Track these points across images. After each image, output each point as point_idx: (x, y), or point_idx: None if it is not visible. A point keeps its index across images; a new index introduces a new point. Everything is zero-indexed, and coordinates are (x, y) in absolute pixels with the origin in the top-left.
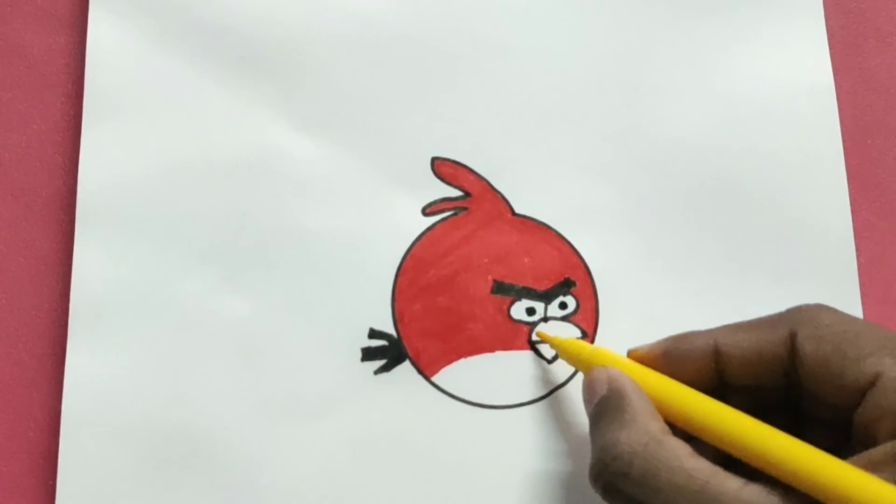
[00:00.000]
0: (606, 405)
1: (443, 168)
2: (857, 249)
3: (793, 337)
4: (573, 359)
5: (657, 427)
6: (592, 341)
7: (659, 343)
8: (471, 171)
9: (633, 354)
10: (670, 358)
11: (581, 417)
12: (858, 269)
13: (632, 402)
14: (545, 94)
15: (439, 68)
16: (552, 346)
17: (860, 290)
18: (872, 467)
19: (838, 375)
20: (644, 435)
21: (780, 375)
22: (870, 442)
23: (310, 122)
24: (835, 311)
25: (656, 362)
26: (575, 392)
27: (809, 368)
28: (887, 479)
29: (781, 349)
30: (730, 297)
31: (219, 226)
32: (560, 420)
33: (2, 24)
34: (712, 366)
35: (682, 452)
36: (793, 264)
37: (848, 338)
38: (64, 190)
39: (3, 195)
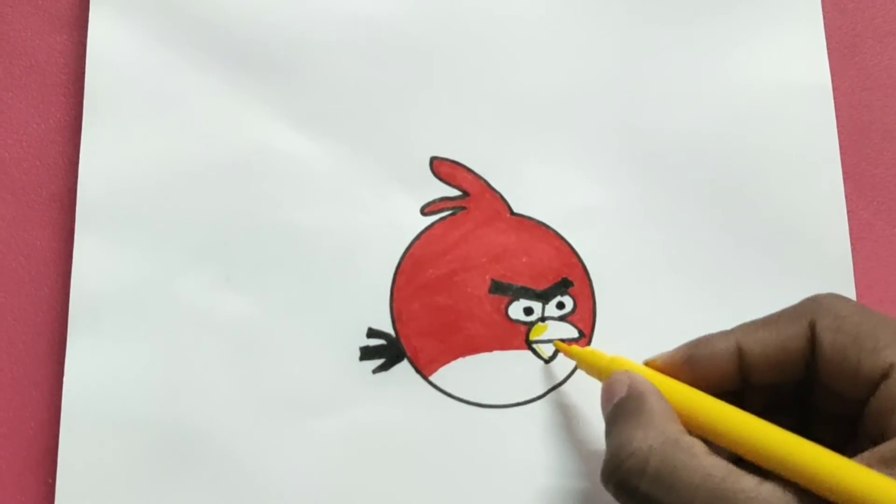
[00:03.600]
0: (625, 406)
1: (441, 167)
2: (854, 249)
3: (812, 327)
4: (592, 368)
5: (674, 428)
6: (589, 341)
7: (678, 350)
8: (469, 170)
9: (651, 364)
10: (693, 363)
11: (578, 416)
12: (854, 268)
13: (650, 403)
14: (543, 94)
15: (438, 68)
16: (569, 355)
17: (856, 290)
18: (884, 464)
19: (854, 366)
20: (661, 434)
21: (802, 369)
22: (878, 436)
23: (309, 121)
24: (851, 301)
25: (678, 370)
26: (572, 391)
27: (827, 358)
28: None
29: (803, 341)
30: (726, 296)
31: (218, 224)
32: (557, 419)
33: (2, 24)
34: (736, 367)
35: (698, 450)
36: (789, 264)
37: (865, 328)
38: (64, 189)
39: (3, 194)
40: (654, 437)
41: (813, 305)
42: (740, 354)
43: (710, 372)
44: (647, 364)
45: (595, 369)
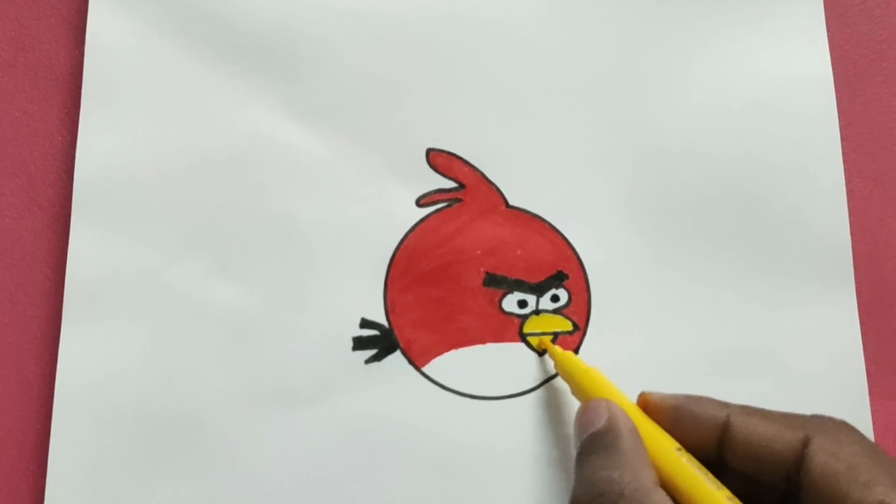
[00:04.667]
0: (601, 440)
1: (437, 159)
2: (853, 244)
3: (806, 442)
4: (566, 373)
5: (648, 476)
6: (584, 334)
7: (672, 396)
8: (465, 162)
9: (643, 396)
10: (678, 414)
11: (570, 409)
12: (854, 264)
13: (627, 444)
14: (541, 87)
15: (436, 60)
16: (551, 353)
17: (855, 285)
18: None
19: (843, 494)
20: (634, 481)
21: (781, 477)
22: None
23: (306, 112)
24: (857, 432)
25: (662, 414)
26: (564, 384)
27: (814, 479)
28: None
29: (791, 450)
30: (722, 290)
31: (213, 214)
32: (549, 412)
33: (2, 17)
34: (716, 440)
35: None
36: (788, 259)
37: (864, 462)
38: (61, 178)
39: (0, 183)
40: (626, 483)
41: (816, 422)
42: (726, 429)
43: (689, 431)
44: (642, 394)
45: (569, 375)
